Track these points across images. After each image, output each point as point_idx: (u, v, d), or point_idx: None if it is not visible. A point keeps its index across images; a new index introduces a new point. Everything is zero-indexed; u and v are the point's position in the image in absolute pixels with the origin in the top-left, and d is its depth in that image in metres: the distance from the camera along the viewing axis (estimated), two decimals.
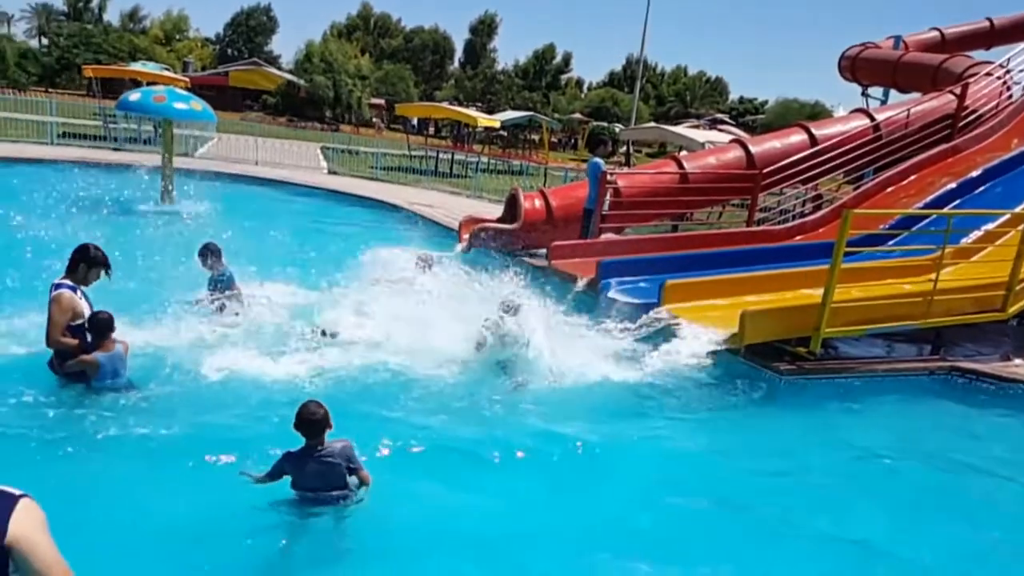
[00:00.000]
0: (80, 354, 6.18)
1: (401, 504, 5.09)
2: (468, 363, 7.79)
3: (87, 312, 6.30)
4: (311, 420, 4.64)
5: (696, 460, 6.61)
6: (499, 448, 6.08)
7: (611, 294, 9.90)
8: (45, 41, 70.09)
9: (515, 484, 5.71)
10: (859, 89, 20.31)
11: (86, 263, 6.36)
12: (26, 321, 7.21)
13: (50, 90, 50.44)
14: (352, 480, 4.85)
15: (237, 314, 8.26)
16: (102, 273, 6.52)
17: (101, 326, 6.21)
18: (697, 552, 5.11)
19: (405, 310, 8.50)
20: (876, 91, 20.40)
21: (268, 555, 4.59)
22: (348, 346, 7.96)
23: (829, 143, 14.56)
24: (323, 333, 8.03)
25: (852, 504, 6.10)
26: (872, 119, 15.49)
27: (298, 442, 4.78)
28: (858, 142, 14.71)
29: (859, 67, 19.40)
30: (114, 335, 6.33)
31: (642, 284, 10.12)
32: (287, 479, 4.80)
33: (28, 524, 2.56)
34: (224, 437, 5.72)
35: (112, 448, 5.43)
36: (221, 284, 8.39)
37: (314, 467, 4.69)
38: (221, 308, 8.29)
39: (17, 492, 2.63)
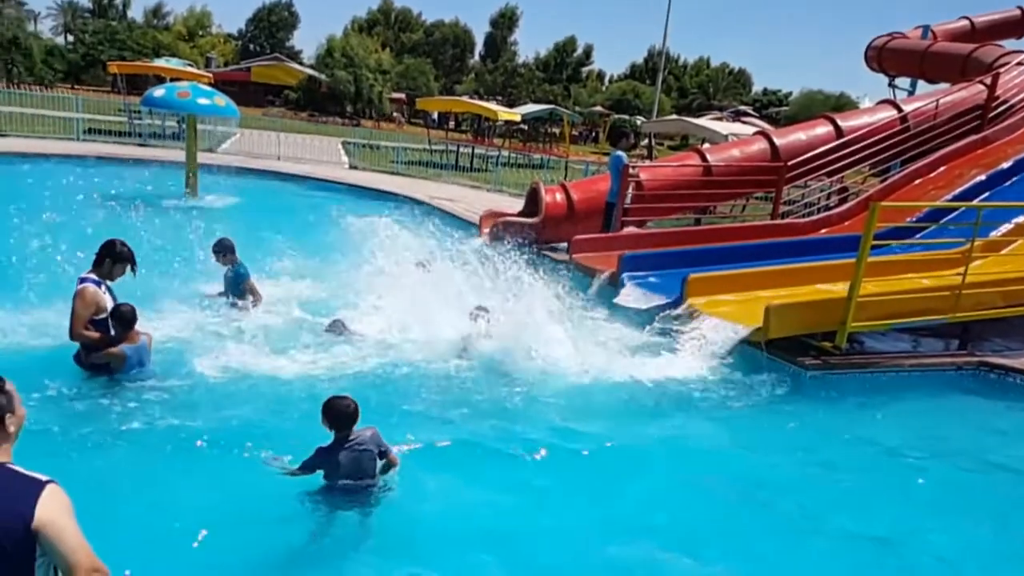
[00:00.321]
0: (105, 346, 6.24)
1: (425, 498, 5.11)
2: (485, 356, 7.77)
3: (110, 307, 6.36)
4: (346, 414, 4.70)
5: (719, 456, 6.55)
6: (521, 443, 6.06)
7: (622, 296, 9.81)
8: (71, 38, 70.84)
9: (536, 479, 5.69)
10: (886, 80, 20.02)
11: (112, 258, 6.45)
12: (53, 314, 7.28)
13: (76, 87, 51.00)
14: (380, 465, 4.92)
15: (253, 306, 8.35)
16: (128, 269, 6.60)
17: (124, 318, 6.26)
18: (720, 548, 5.07)
19: (418, 303, 8.50)
20: (903, 82, 20.09)
21: (292, 546, 4.61)
22: (363, 339, 8.00)
23: (855, 135, 14.36)
24: (337, 324, 8.11)
25: (877, 501, 6.02)
26: (899, 110, 15.26)
27: (319, 432, 4.80)
28: (885, 133, 14.49)
29: (886, 57, 19.12)
30: (137, 327, 6.39)
31: (663, 279, 10.03)
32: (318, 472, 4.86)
33: (54, 509, 2.63)
34: (246, 430, 5.76)
35: (137, 439, 5.49)
36: (235, 278, 8.45)
37: (347, 457, 4.73)
38: (235, 304, 8.37)
39: (44, 478, 2.71)
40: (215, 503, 4.81)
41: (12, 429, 2.81)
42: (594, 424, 6.62)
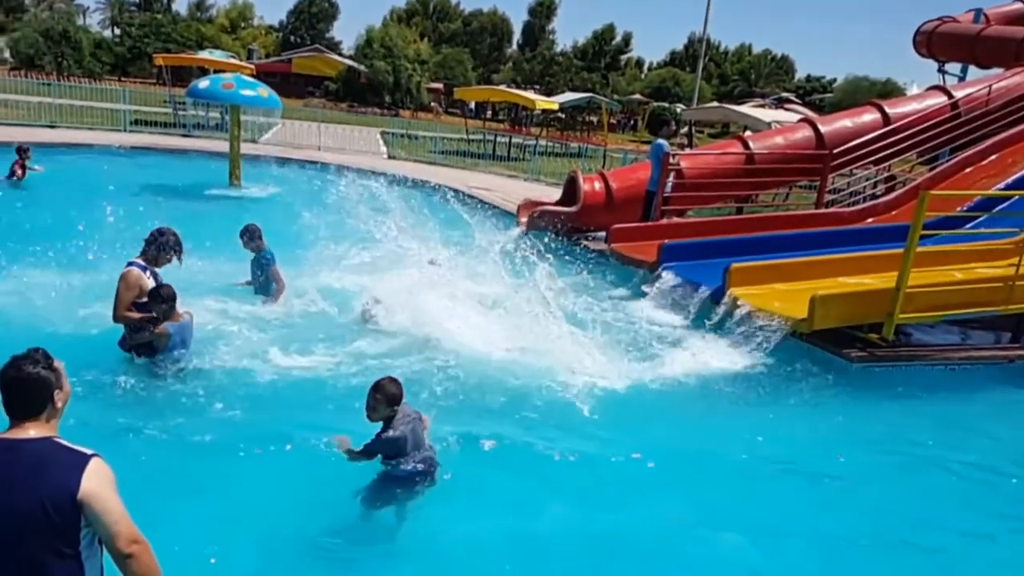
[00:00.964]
0: (149, 325, 6.35)
1: (465, 499, 5.09)
2: (522, 351, 7.67)
3: None
4: (400, 392, 4.88)
5: (762, 450, 6.43)
6: (556, 442, 5.93)
7: (663, 286, 9.71)
8: (118, 31, 72.08)
9: (570, 479, 5.59)
10: (935, 66, 19.48)
11: (157, 246, 6.56)
12: (96, 297, 7.42)
13: (123, 79, 51.91)
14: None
15: (275, 295, 8.44)
16: (174, 258, 6.70)
17: (165, 297, 6.32)
18: (761, 543, 4.99)
19: (444, 300, 8.46)
20: (954, 68, 19.54)
21: (333, 536, 4.66)
22: (393, 334, 7.91)
23: (904, 122, 14.02)
24: (368, 307, 8.21)
25: (924, 499, 5.91)
26: (950, 96, 14.87)
27: (351, 420, 4.90)
28: (935, 121, 14.12)
29: (936, 42, 18.59)
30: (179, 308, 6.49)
31: (704, 268, 9.90)
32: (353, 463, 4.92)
33: (98, 481, 2.76)
34: (293, 416, 5.86)
35: (176, 424, 5.58)
36: (262, 263, 8.54)
37: (409, 431, 4.86)
38: (260, 292, 8.50)
39: (89, 452, 2.84)
40: (254, 486, 4.93)
41: (59, 404, 2.92)
42: (634, 421, 6.56)
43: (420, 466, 4.94)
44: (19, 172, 14.68)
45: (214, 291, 8.46)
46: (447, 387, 6.64)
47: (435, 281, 8.72)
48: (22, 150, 14.91)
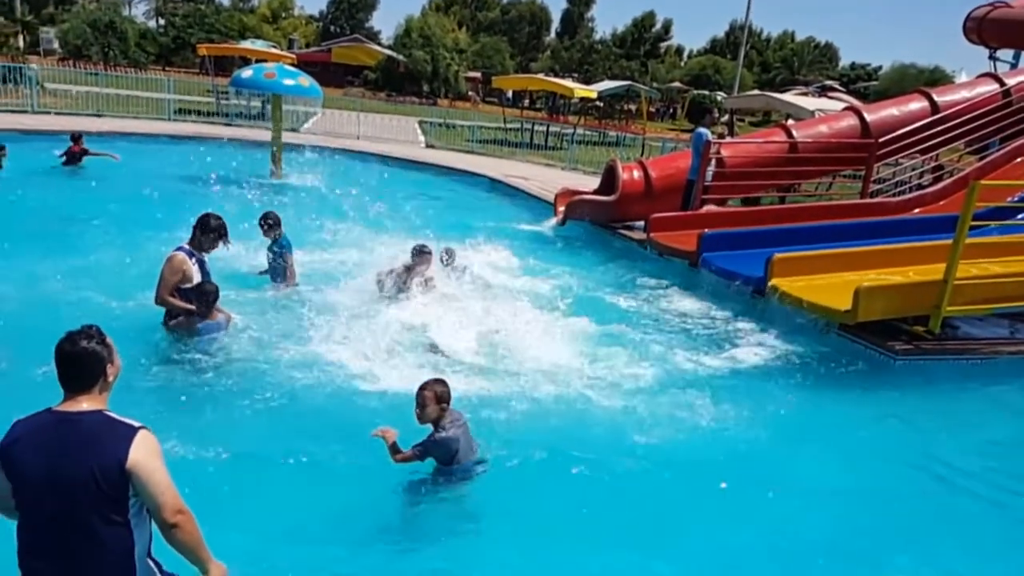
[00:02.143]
0: (184, 316, 6.49)
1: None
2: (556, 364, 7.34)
3: (196, 278, 6.58)
4: (450, 393, 4.84)
5: (803, 447, 6.33)
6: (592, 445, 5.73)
7: (704, 277, 9.63)
8: (162, 21, 73.22)
9: (630, 478, 5.40)
10: (985, 53, 18.94)
11: (203, 231, 6.65)
12: (137, 279, 7.60)
13: (167, 68, 52.73)
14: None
15: (285, 285, 8.49)
16: (220, 243, 6.80)
17: (205, 294, 6.43)
18: (804, 540, 4.94)
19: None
20: (1005, 54, 18.98)
21: (384, 532, 4.65)
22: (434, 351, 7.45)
23: (953, 110, 13.68)
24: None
25: (973, 499, 5.76)
26: (1002, 84, 14.46)
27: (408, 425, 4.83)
28: (985, 109, 13.76)
29: (987, 28, 18.06)
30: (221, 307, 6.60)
31: (745, 259, 9.78)
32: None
33: (145, 452, 2.90)
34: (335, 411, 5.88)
35: (206, 413, 5.62)
36: (278, 250, 8.60)
37: (461, 432, 4.82)
38: (277, 275, 8.58)
39: (137, 424, 2.97)
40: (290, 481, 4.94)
41: (111, 379, 3.06)
42: (687, 412, 6.48)
43: (478, 468, 4.90)
44: (76, 157, 15.15)
45: (250, 282, 8.60)
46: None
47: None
48: (77, 137, 15.33)
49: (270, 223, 8.52)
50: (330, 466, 5.08)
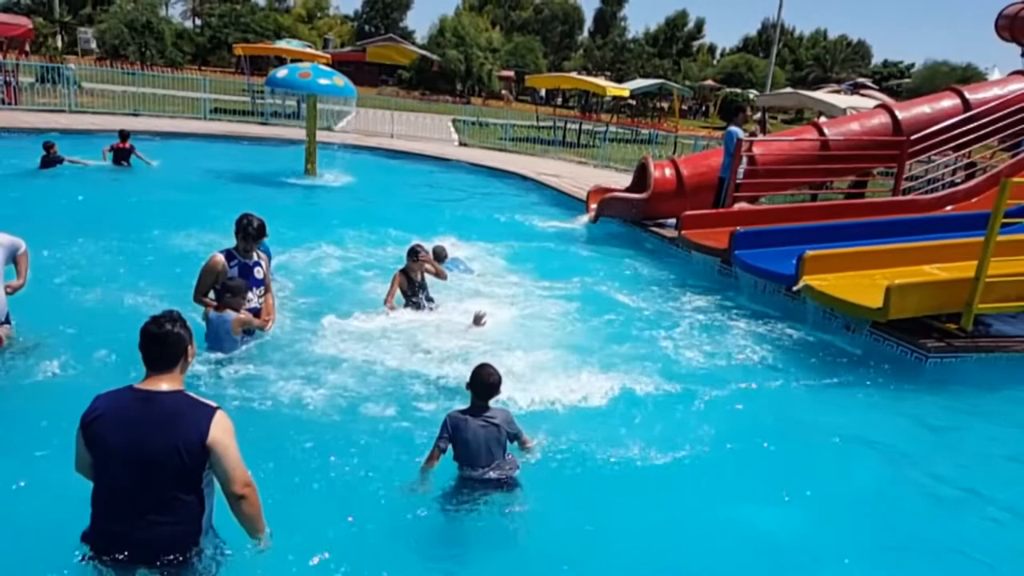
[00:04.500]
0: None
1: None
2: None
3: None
4: (487, 383, 4.68)
5: (834, 447, 6.26)
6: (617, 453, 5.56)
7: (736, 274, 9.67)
8: (198, 22, 74.34)
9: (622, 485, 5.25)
10: (1018, 50, 18.64)
11: (242, 233, 6.60)
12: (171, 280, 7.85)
13: (203, 68, 53.50)
14: (510, 450, 4.78)
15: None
16: (246, 242, 6.62)
17: (223, 288, 6.34)
18: (833, 547, 4.88)
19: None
20: None
21: (414, 538, 4.49)
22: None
23: (984, 108, 13.54)
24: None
25: (1010, 499, 5.69)
26: None
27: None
28: (1017, 107, 13.60)
29: (1019, 26, 17.78)
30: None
31: (777, 256, 9.80)
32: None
33: (223, 429, 3.21)
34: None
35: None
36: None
37: (478, 429, 4.63)
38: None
39: (213, 404, 3.28)
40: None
41: (190, 359, 3.35)
42: (718, 411, 6.46)
43: (492, 474, 4.63)
44: (124, 158, 15.66)
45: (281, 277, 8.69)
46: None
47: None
48: (125, 135, 15.80)
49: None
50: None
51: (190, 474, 3.16)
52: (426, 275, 8.25)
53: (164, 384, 3.21)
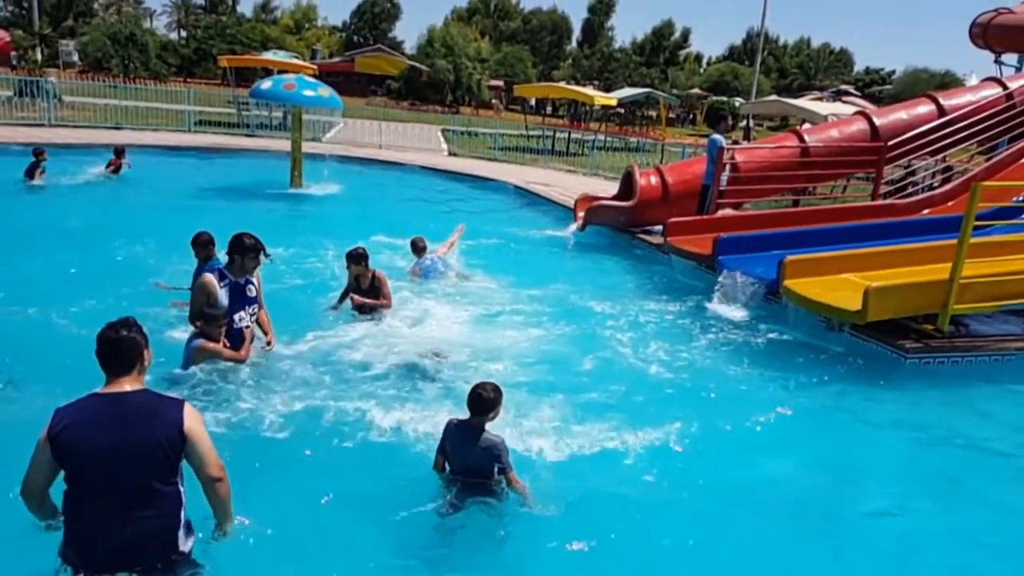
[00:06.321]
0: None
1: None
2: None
3: (224, 301, 6.24)
4: (479, 399, 4.56)
5: (814, 447, 6.39)
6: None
7: (719, 280, 9.83)
8: (183, 33, 74.18)
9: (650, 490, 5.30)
10: (993, 57, 19.00)
11: (239, 253, 6.33)
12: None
13: (188, 80, 53.12)
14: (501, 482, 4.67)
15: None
16: (255, 262, 6.43)
17: (205, 318, 6.13)
18: (813, 543, 4.99)
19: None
20: (1011, 59, 19.02)
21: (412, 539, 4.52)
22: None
23: (958, 113, 13.82)
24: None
25: (989, 495, 5.82)
26: (1005, 87, 14.58)
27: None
28: (990, 111, 13.88)
29: (992, 34, 18.13)
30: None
31: (759, 261, 9.99)
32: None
33: (195, 418, 3.44)
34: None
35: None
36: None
37: (460, 444, 4.62)
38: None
39: (179, 397, 3.55)
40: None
41: (146, 363, 3.50)
42: (703, 412, 6.54)
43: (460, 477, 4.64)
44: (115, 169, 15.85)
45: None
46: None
47: None
48: (120, 151, 16.00)
49: (204, 244, 7.40)
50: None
51: (171, 465, 3.32)
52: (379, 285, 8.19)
53: (127, 385, 3.35)
